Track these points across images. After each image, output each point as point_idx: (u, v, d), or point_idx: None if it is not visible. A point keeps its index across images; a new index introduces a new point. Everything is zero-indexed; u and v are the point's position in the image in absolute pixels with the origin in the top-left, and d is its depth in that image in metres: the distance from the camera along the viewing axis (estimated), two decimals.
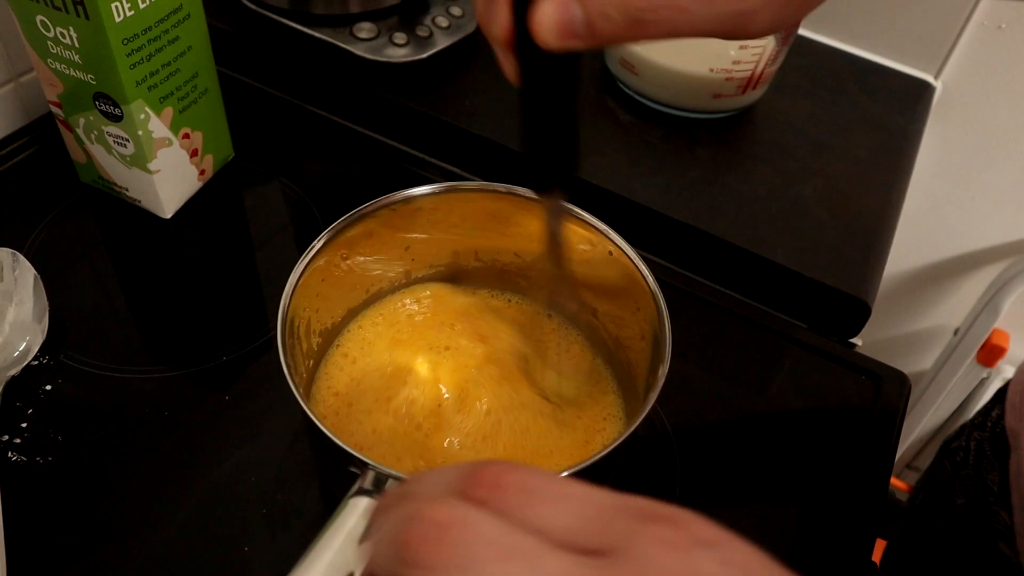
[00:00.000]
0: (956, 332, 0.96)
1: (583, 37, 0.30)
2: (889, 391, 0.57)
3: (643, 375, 0.43)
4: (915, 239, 0.90)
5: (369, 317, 0.49)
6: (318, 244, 0.42)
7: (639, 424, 0.37)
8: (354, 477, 0.33)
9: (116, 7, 0.48)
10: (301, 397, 0.35)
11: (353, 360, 0.47)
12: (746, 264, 0.61)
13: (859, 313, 0.60)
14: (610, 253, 0.45)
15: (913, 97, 0.80)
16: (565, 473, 0.34)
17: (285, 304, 0.39)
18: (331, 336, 0.47)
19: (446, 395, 0.45)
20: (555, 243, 0.41)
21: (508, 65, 0.33)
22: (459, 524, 0.19)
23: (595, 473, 0.36)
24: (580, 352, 0.49)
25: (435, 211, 0.47)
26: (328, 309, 0.46)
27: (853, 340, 0.62)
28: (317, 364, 0.46)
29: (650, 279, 0.43)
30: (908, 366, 0.91)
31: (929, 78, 0.82)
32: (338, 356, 0.47)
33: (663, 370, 0.39)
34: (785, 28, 0.61)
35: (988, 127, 0.84)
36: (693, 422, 0.53)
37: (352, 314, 0.49)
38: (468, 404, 0.45)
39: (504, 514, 0.19)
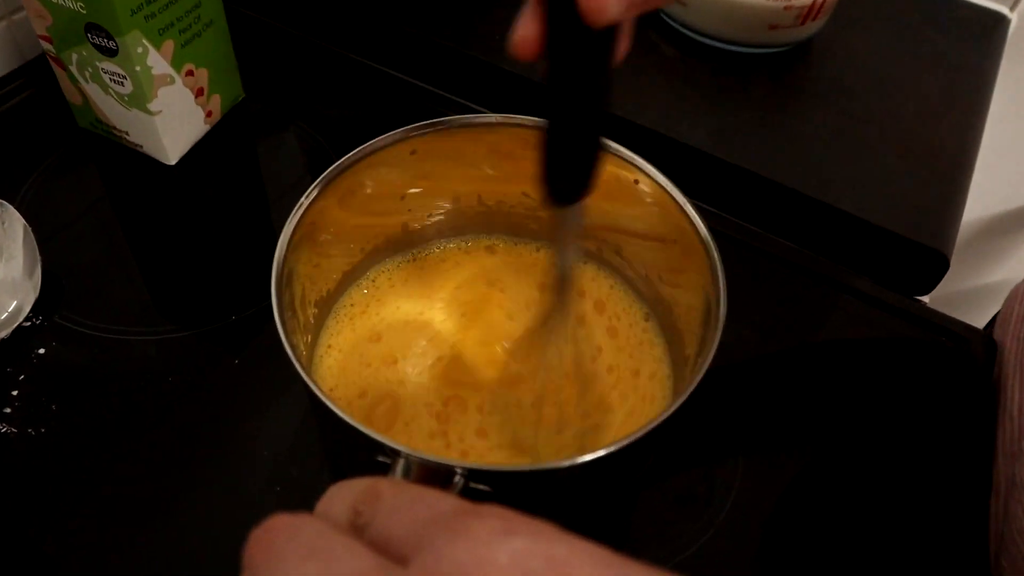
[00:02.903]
0: None
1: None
2: (976, 356, 0.51)
3: (692, 336, 0.38)
4: (984, 185, 0.83)
5: (368, 279, 0.44)
6: (304, 205, 0.36)
7: (685, 399, 0.31)
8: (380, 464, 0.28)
9: None
10: (316, 386, 0.30)
11: (355, 327, 0.41)
12: (808, 212, 0.55)
13: (935, 266, 0.54)
14: (652, 194, 0.39)
15: (986, 31, 0.72)
16: (602, 452, 0.29)
17: (278, 273, 0.33)
18: (327, 305, 0.42)
19: (465, 358, 0.40)
20: (564, 258, 0.34)
21: (531, 27, 0.26)
22: (284, 528, 0.20)
23: (635, 449, 0.30)
24: (619, 307, 0.43)
25: (429, 152, 0.40)
26: (322, 276, 0.40)
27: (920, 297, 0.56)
28: (316, 338, 0.41)
29: (702, 228, 0.37)
30: (969, 321, 0.85)
31: (1004, 9, 0.74)
32: (340, 325, 0.42)
33: (713, 340, 0.33)
34: None
35: None
36: (750, 392, 0.48)
37: (348, 278, 0.43)
38: (494, 365, 0.40)
39: (359, 525, 0.20)
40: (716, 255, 0.35)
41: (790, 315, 0.53)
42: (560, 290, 0.35)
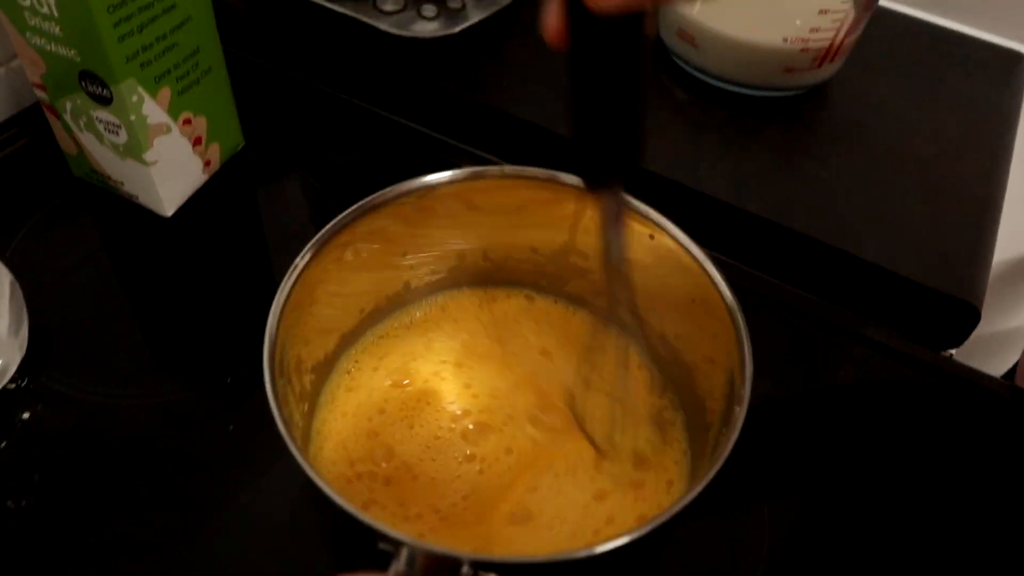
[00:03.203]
0: None
1: None
2: (1008, 412, 0.48)
3: (714, 402, 0.35)
4: (1007, 228, 0.81)
5: (367, 341, 0.41)
6: (298, 267, 0.34)
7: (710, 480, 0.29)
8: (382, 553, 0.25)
9: None
10: (311, 469, 0.27)
11: (355, 393, 0.39)
12: (829, 262, 0.53)
13: (965, 319, 0.51)
14: (669, 250, 0.37)
15: (1005, 70, 0.71)
16: (620, 541, 0.27)
17: (271, 344, 0.31)
18: (326, 370, 0.39)
19: (467, 432, 0.37)
20: (614, 249, 0.33)
21: (554, 18, 0.26)
22: None
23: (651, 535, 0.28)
24: (638, 375, 0.41)
25: (432, 207, 0.38)
26: (319, 340, 0.38)
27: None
28: (313, 406, 0.38)
29: (726, 292, 0.34)
30: (992, 368, 0.82)
31: (1022, 48, 0.73)
32: (338, 393, 0.39)
33: (739, 415, 0.31)
34: None
35: None
36: (773, 453, 0.45)
37: (346, 341, 0.40)
38: (492, 447, 0.37)
39: None
40: (742, 322, 0.33)
41: (812, 370, 0.50)
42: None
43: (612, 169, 0.30)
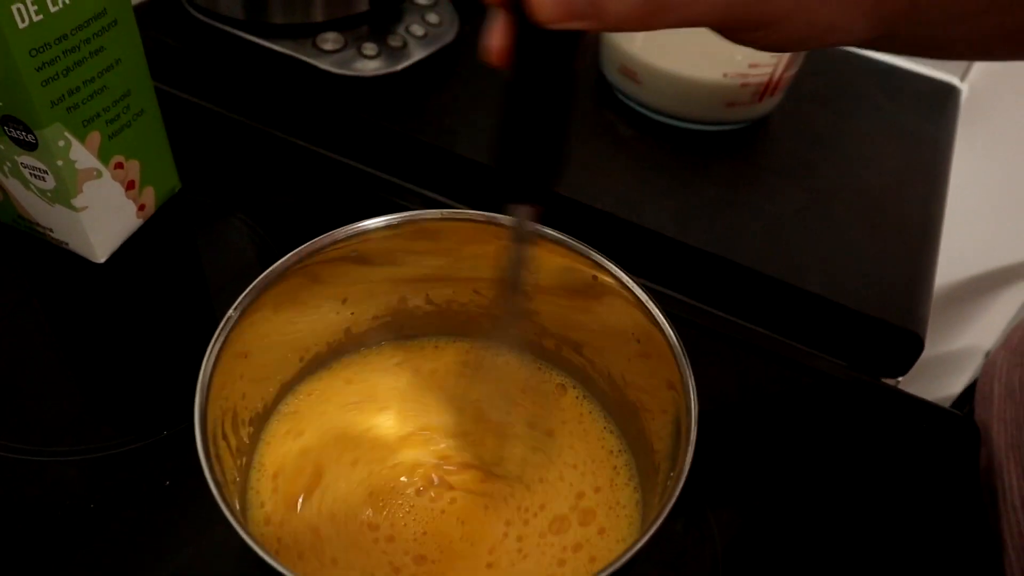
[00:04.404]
0: (987, 355, 0.89)
1: (588, 19, 0.25)
2: (958, 441, 0.48)
3: (661, 443, 0.35)
4: (947, 253, 0.83)
5: (305, 390, 0.40)
6: (232, 319, 0.33)
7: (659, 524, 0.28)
8: None
9: (19, 10, 0.39)
10: (248, 534, 0.26)
11: (294, 444, 0.38)
12: (775, 295, 0.53)
13: (910, 348, 0.51)
14: (612, 291, 0.36)
15: (940, 101, 0.72)
16: None
17: (202, 402, 0.29)
18: (264, 421, 0.38)
19: (409, 489, 0.37)
20: (518, 272, 0.33)
21: (497, 37, 0.27)
22: None
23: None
24: (578, 409, 0.40)
25: (372, 252, 0.38)
26: (256, 392, 0.36)
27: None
28: (251, 460, 0.37)
29: (669, 332, 0.34)
30: (936, 391, 0.83)
31: (955, 80, 0.74)
32: (277, 443, 0.38)
33: (685, 460, 0.30)
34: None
35: (1021, 131, 0.76)
36: (727, 488, 0.44)
37: (285, 390, 0.39)
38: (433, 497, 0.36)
39: None
40: (686, 363, 0.32)
41: (760, 401, 0.50)
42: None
43: (534, 183, 0.30)
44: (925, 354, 0.52)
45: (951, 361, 0.92)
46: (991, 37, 0.32)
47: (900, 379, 0.55)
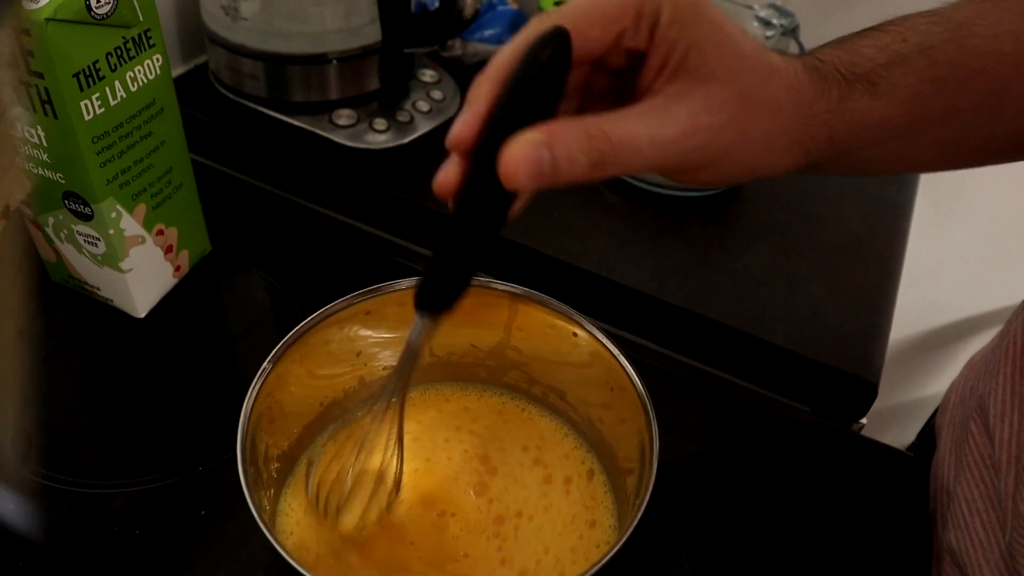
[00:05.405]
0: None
1: (547, 177, 0.30)
2: (909, 481, 0.54)
3: (633, 483, 0.40)
4: (906, 307, 0.89)
5: (327, 432, 0.46)
6: (267, 370, 0.39)
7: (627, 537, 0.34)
8: None
9: (86, 105, 0.46)
10: (281, 546, 0.32)
11: (315, 481, 0.44)
12: (744, 347, 0.59)
13: (865, 394, 0.57)
14: (590, 345, 0.43)
15: None
16: None
17: (243, 438, 0.36)
18: (289, 459, 0.44)
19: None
20: (412, 362, 0.38)
21: (452, 175, 0.32)
22: None
23: None
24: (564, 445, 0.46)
25: (382, 311, 0.44)
26: (282, 432, 0.43)
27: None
28: (278, 492, 0.43)
29: (638, 384, 0.40)
30: (901, 438, 0.88)
31: None
32: (301, 480, 0.44)
33: (647, 486, 0.36)
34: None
35: (975, 193, 0.83)
36: (695, 523, 0.50)
37: (308, 431, 0.45)
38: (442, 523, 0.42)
39: None
40: (650, 407, 0.38)
41: (730, 444, 0.55)
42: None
43: (448, 304, 0.35)
44: (889, 402, 0.57)
45: (915, 409, 0.97)
46: (908, 156, 0.38)
47: (864, 423, 0.60)
